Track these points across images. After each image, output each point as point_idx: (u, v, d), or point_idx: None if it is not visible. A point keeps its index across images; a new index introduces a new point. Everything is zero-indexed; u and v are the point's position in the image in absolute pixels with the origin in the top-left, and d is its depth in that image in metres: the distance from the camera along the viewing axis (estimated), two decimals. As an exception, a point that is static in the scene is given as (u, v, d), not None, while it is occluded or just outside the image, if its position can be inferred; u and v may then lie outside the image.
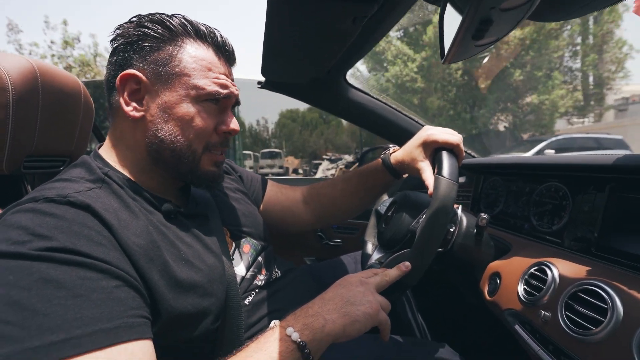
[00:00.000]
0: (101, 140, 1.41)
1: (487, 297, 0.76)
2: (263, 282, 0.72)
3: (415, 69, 11.29)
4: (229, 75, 0.63)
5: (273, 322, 0.53)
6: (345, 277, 0.59)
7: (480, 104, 11.87)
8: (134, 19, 0.59)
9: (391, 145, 1.02)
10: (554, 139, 8.44)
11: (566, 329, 0.53)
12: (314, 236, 1.44)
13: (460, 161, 0.72)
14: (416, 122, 1.22)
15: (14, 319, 0.36)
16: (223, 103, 0.62)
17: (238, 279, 0.66)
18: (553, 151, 1.21)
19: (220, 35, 0.63)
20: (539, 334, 0.59)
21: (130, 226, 0.50)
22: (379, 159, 0.87)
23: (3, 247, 0.40)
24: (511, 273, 0.71)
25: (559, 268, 0.62)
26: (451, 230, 0.74)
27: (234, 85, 0.63)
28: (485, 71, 11.15)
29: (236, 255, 0.70)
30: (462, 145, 0.73)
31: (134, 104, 0.58)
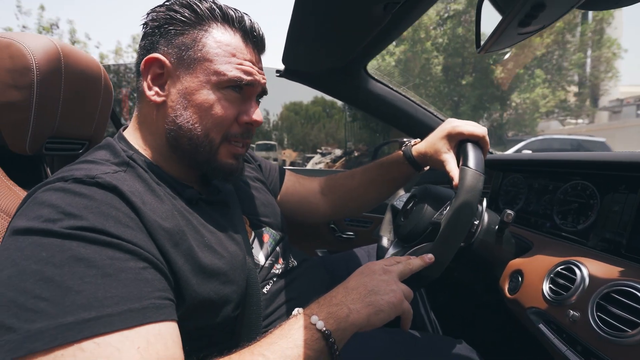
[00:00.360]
0: (118, 126, 1.41)
1: (508, 294, 0.75)
2: (280, 270, 0.72)
3: (393, 63, 11.08)
4: (256, 62, 0.61)
5: (296, 309, 0.52)
6: (367, 264, 0.58)
7: (463, 101, 11.67)
8: (167, 3, 0.58)
9: (405, 139, 1.00)
10: (533, 139, 8.29)
11: (598, 330, 0.51)
12: (326, 228, 1.43)
13: (485, 153, 0.71)
14: (436, 116, 1.19)
15: (48, 295, 0.36)
16: (247, 91, 0.60)
17: (258, 267, 0.66)
18: (530, 151, 1.19)
19: (250, 20, 0.60)
20: (565, 334, 0.57)
21: (156, 210, 0.49)
22: (400, 151, 0.85)
23: (35, 223, 0.40)
24: (535, 271, 0.70)
25: (589, 267, 0.60)
26: (476, 223, 0.72)
27: (260, 73, 0.60)
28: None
29: (255, 244, 0.70)
30: (487, 138, 0.71)
31: (156, 89, 0.57)
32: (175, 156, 0.60)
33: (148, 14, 0.58)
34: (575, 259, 0.64)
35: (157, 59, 0.56)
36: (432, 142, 0.77)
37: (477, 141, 0.70)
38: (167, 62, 0.56)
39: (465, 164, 0.64)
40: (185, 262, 0.49)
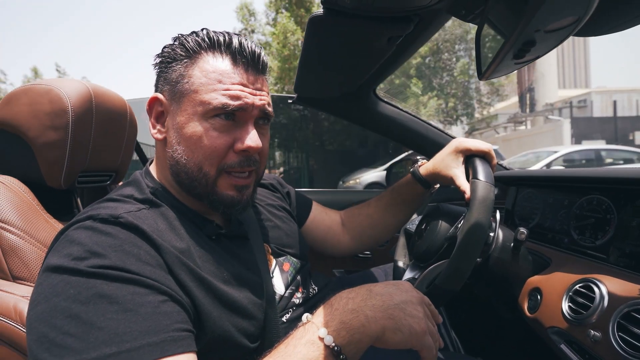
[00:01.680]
0: (141, 156, 1.49)
1: (528, 313, 0.74)
2: (300, 300, 0.72)
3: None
4: (250, 83, 0.56)
5: (305, 315, 0.49)
6: (403, 282, 0.53)
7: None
8: (167, 45, 0.61)
9: (418, 157, 1.02)
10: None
11: (620, 351, 0.51)
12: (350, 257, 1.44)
13: (493, 167, 0.73)
14: (446, 134, 1.21)
15: (75, 331, 0.39)
16: (239, 117, 0.56)
17: (277, 298, 0.67)
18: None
19: (240, 40, 0.57)
20: (588, 355, 0.57)
21: (175, 247, 0.52)
22: (408, 175, 0.87)
23: (65, 262, 0.44)
24: (553, 289, 0.69)
25: (607, 285, 0.60)
26: (491, 235, 0.72)
27: (254, 95, 0.56)
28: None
29: (276, 273, 0.71)
30: (493, 152, 0.74)
31: (159, 126, 0.60)
32: (182, 189, 0.60)
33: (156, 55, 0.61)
34: (593, 277, 0.63)
35: (157, 98, 0.58)
36: (441, 159, 0.79)
37: (483, 155, 0.73)
38: (164, 99, 0.58)
39: (475, 176, 0.67)
40: (206, 295, 0.51)
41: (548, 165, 7.00)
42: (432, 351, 0.48)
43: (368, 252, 1.42)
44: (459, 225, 0.72)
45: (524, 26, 0.35)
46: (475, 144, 0.74)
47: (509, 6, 0.40)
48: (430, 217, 0.89)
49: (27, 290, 0.59)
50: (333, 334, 0.43)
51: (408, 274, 0.94)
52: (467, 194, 0.67)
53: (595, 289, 0.60)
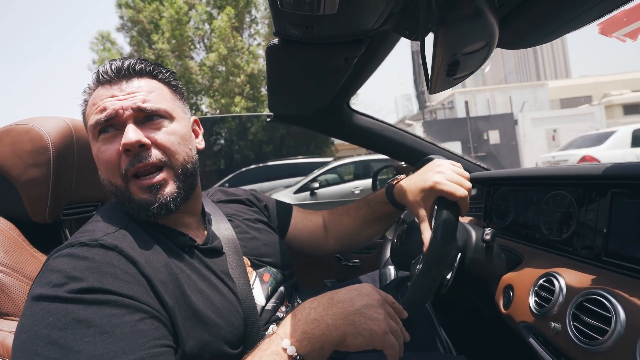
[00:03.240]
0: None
1: (503, 310, 0.77)
2: (284, 314, 0.74)
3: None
4: (120, 92, 0.60)
5: (272, 326, 0.53)
6: (366, 284, 0.56)
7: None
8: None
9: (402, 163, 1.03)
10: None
11: (575, 340, 0.54)
12: (332, 259, 1.47)
13: (463, 213, 0.70)
14: (422, 140, 1.25)
15: (55, 356, 0.43)
16: (116, 124, 0.60)
17: (258, 309, 0.69)
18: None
19: (104, 65, 0.63)
20: (551, 346, 0.59)
21: (151, 262, 0.55)
22: (384, 190, 0.87)
23: (46, 290, 0.47)
24: (522, 285, 0.72)
25: (566, 278, 0.63)
26: (447, 277, 0.76)
27: (124, 100, 0.59)
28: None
29: (256, 285, 0.73)
30: (468, 199, 0.69)
31: None
32: None
33: None
34: (554, 270, 0.66)
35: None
36: (412, 191, 0.76)
37: (456, 202, 0.69)
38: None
39: (435, 233, 0.66)
40: (179, 307, 0.54)
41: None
42: (395, 348, 0.51)
43: (357, 260, 1.45)
44: (417, 266, 0.75)
45: (440, 51, 0.39)
46: (450, 187, 0.68)
47: (432, 32, 0.44)
48: (407, 223, 0.92)
49: (14, 326, 0.61)
50: (295, 344, 0.46)
51: (393, 276, 0.97)
52: (424, 247, 0.68)
53: (555, 282, 0.63)
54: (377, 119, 1.22)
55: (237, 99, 9.72)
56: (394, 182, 0.84)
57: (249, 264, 0.76)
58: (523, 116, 12.39)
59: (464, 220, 1.20)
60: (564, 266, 0.68)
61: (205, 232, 0.73)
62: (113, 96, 0.60)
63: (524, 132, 11.84)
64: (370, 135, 1.23)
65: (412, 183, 0.77)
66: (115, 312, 0.47)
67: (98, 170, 0.64)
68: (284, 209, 0.99)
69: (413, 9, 0.52)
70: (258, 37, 10.79)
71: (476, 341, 1.17)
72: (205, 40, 9.82)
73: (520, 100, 15.21)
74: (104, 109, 0.59)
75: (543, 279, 0.67)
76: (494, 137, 11.32)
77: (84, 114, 0.65)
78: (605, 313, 0.51)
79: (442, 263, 0.63)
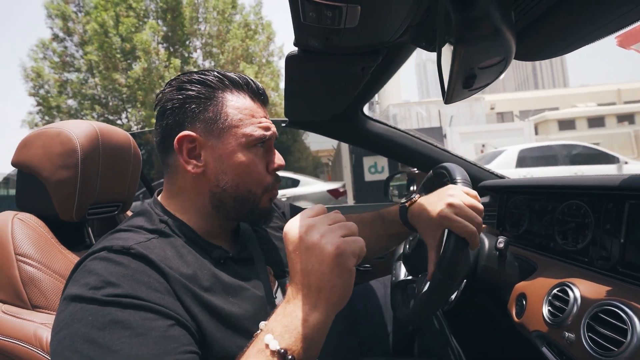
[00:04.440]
0: (147, 184, 1.56)
1: (515, 319, 0.77)
2: None
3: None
4: (267, 116, 0.68)
5: (261, 323, 0.52)
6: (286, 232, 0.51)
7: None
8: (173, 83, 0.66)
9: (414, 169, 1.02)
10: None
11: (589, 351, 0.54)
12: None
13: (473, 248, 0.68)
14: (435, 146, 1.26)
15: (94, 354, 0.45)
16: (267, 144, 0.67)
17: None
18: None
19: (253, 81, 0.67)
20: (565, 356, 0.59)
21: (181, 273, 0.57)
22: (397, 208, 0.84)
23: (84, 291, 0.50)
24: (536, 294, 0.72)
25: (581, 288, 0.63)
26: (452, 298, 0.79)
27: (273, 125, 0.67)
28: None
29: (279, 294, 0.74)
30: (477, 236, 0.67)
31: (194, 161, 0.63)
32: (218, 214, 0.66)
33: (158, 95, 0.67)
34: (569, 280, 0.66)
35: (187, 135, 0.62)
36: (423, 218, 0.74)
37: (464, 237, 0.67)
38: (197, 136, 0.62)
39: (439, 267, 0.66)
40: (210, 318, 0.56)
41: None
42: (363, 250, 0.49)
43: (368, 265, 1.45)
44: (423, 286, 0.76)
45: (457, 66, 0.40)
46: (459, 225, 0.66)
47: (450, 44, 0.45)
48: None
49: (45, 318, 0.65)
50: (278, 338, 0.46)
51: (403, 274, 0.97)
52: (428, 274, 0.70)
53: (570, 292, 0.63)
54: (390, 126, 1.23)
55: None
56: (407, 204, 0.80)
57: (272, 273, 0.77)
58: (452, 130, 12.30)
59: None
60: (578, 276, 0.68)
61: (236, 241, 0.74)
62: (266, 117, 0.67)
63: (452, 146, 11.72)
64: (383, 141, 1.24)
65: (423, 210, 0.74)
66: (149, 317, 0.49)
67: (230, 175, 0.63)
68: (297, 211, 0.98)
69: (431, 22, 0.53)
70: (194, 51, 10.83)
71: (487, 350, 1.16)
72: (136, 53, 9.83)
73: (457, 113, 14.83)
74: (268, 128, 0.65)
75: (557, 289, 0.67)
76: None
77: (220, 113, 0.62)
78: (621, 325, 0.52)
79: (441, 297, 0.64)
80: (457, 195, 0.69)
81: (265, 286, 0.69)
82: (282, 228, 0.88)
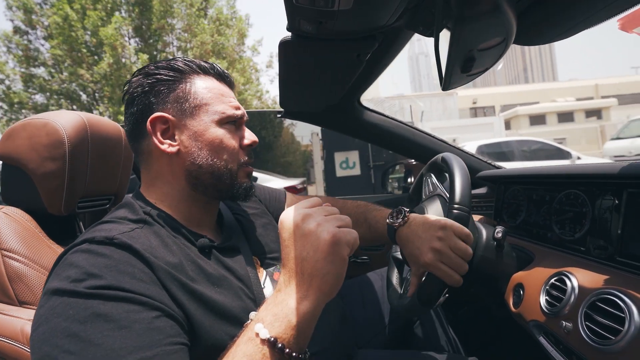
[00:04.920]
0: (140, 177, 1.54)
1: (513, 309, 0.77)
2: None
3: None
4: (235, 98, 0.70)
5: (252, 313, 0.53)
6: (282, 221, 0.52)
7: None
8: (141, 71, 0.67)
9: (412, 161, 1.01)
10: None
11: (587, 339, 0.53)
12: None
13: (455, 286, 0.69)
14: (434, 137, 1.25)
15: (74, 349, 0.43)
16: (239, 122, 0.69)
17: None
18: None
19: (217, 65, 0.70)
20: (562, 345, 0.59)
21: (168, 263, 0.55)
22: (385, 222, 0.81)
23: (64, 284, 0.48)
24: (533, 284, 0.72)
25: (578, 278, 0.62)
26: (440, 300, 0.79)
27: (241, 106, 0.70)
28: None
29: (267, 284, 0.73)
30: (460, 282, 0.69)
31: (168, 141, 0.64)
32: (197, 194, 0.66)
33: (126, 84, 0.67)
34: (566, 270, 0.66)
35: (159, 117, 0.63)
36: (408, 251, 0.74)
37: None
38: (169, 116, 0.63)
39: (419, 295, 0.72)
40: (198, 307, 0.55)
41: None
42: (352, 234, 0.49)
43: (365, 257, 1.45)
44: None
45: (456, 47, 0.39)
46: (443, 275, 0.68)
47: (448, 28, 0.43)
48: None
49: (32, 314, 0.63)
50: (268, 326, 0.46)
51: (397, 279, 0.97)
52: (409, 292, 0.76)
53: (567, 281, 0.62)
54: (388, 117, 1.22)
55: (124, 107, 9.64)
56: (395, 225, 0.77)
57: (259, 263, 0.76)
58: (423, 125, 12.33)
59: (475, 218, 1.19)
60: (576, 265, 0.68)
61: (221, 231, 0.74)
62: (234, 98, 0.69)
63: None
64: (381, 132, 1.22)
65: (410, 242, 0.73)
66: (133, 309, 0.48)
67: (205, 151, 0.64)
68: (277, 196, 0.98)
69: (428, 4, 0.51)
70: (165, 46, 10.57)
71: (484, 340, 1.17)
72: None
73: (430, 109, 14.90)
74: (238, 108, 0.68)
75: (554, 278, 0.66)
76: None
77: (189, 93, 0.64)
78: (618, 313, 0.51)
79: (415, 315, 0.70)
80: (447, 238, 0.67)
81: (253, 276, 0.69)
82: (265, 213, 0.89)
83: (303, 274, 0.48)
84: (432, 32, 0.62)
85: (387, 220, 0.79)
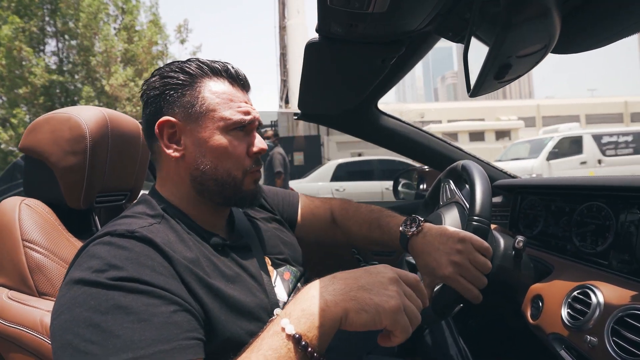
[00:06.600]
0: (155, 174, 1.55)
1: (530, 320, 0.75)
2: None
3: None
4: (248, 101, 0.69)
5: (276, 309, 0.53)
6: (379, 265, 0.52)
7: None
8: (157, 72, 0.67)
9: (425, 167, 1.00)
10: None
11: (614, 355, 0.52)
12: (351, 258, 1.46)
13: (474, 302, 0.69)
14: (449, 144, 1.24)
15: (95, 338, 0.44)
16: (248, 128, 0.67)
17: (280, 305, 0.69)
18: None
19: (232, 67, 0.68)
20: (585, 360, 0.58)
21: (186, 257, 0.56)
22: (398, 229, 0.79)
23: (87, 275, 0.49)
24: (554, 296, 0.71)
25: (604, 292, 0.61)
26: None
27: (254, 110, 0.68)
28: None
29: (278, 282, 0.74)
30: (479, 297, 0.68)
31: (174, 145, 0.65)
32: (203, 199, 0.67)
33: (143, 85, 0.67)
34: (590, 283, 0.64)
35: (167, 121, 0.63)
36: (425, 263, 0.73)
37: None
38: (176, 121, 0.64)
39: (434, 306, 0.73)
40: (214, 301, 0.55)
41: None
42: (407, 330, 0.47)
43: (376, 262, 1.44)
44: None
45: (495, 54, 0.38)
46: (464, 289, 0.68)
47: (485, 33, 0.43)
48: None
49: (51, 305, 0.63)
50: (294, 322, 0.45)
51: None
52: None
53: (592, 295, 0.61)
54: (404, 122, 1.21)
55: (17, 110, 9.41)
56: (408, 234, 0.75)
57: (270, 262, 0.77)
58: (329, 139, 12.13)
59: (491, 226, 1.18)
60: (598, 279, 0.66)
61: (232, 231, 0.75)
62: (247, 102, 0.67)
63: (328, 155, 11.57)
64: (396, 137, 1.22)
65: (426, 253, 0.72)
66: (153, 302, 0.48)
67: (208, 158, 0.64)
68: (290, 199, 0.98)
69: (461, 10, 0.51)
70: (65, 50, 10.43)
71: (495, 351, 1.15)
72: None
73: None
74: (248, 113, 0.66)
75: (577, 291, 0.65)
76: (298, 158, 10.75)
77: (197, 98, 0.64)
78: (649, 330, 0.50)
79: (427, 325, 0.69)
80: (466, 251, 0.66)
81: (265, 275, 0.69)
82: (274, 219, 0.90)
83: (350, 289, 0.47)
84: (461, 38, 0.61)
85: (401, 228, 0.77)
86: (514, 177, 1.26)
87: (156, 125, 0.63)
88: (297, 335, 0.44)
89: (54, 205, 0.79)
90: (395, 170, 7.36)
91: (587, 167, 7.60)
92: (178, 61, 0.67)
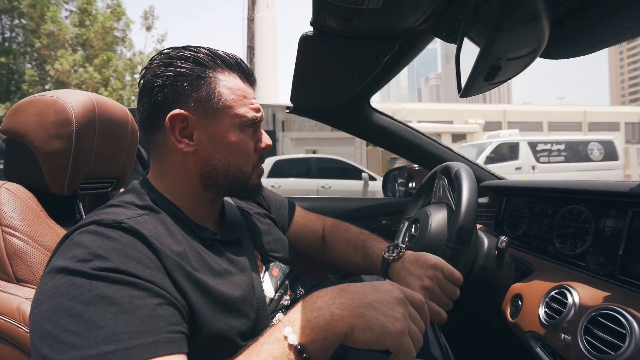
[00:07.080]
0: (142, 163, 1.52)
1: (510, 318, 0.77)
2: (289, 301, 0.75)
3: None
4: (255, 97, 0.69)
5: (278, 315, 0.53)
6: (386, 281, 0.52)
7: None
8: (160, 57, 0.63)
9: (415, 165, 1.02)
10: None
11: (586, 353, 0.54)
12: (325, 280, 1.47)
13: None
14: (439, 144, 1.25)
15: (77, 329, 0.43)
16: (256, 124, 0.68)
17: (267, 300, 0.69)
18: None
19: (242, 61, 0.67)
20: (559, 357, 0.60)
21: (173, 250, 0.55)
22: (380, 254, 0.81)
23: (70, 263, 0.47)
24: (533, 295, 0.73)
25: (579, 292, 0.63)
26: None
27: (260, 107, 0.69)
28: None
29: (266, 278, 0.74)
30: (444, 318, 0.68)
31: (186, 140, 0.62)
32: (207, 192, 0.66)
33: (144, 69, 0.64)
34: (568, 284, 0.66)
35: (180, 114, 0.60)
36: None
37: None
38: (190, 115, 0.61)
39: None
40: (200, 295, 0.55)
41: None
42: (411, 353, 0.46)
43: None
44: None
45: (486, 55, 0.39)
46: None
47: (477, 34, 0.43)
48: (420, 222, 0.92)
49: (30, 292, 0.62)
50: (297, 332, 0.44)
51: None
52: None
53: (569, 295, 0.63)
54: (396, 120, 1.22)
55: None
56: (390, 259, 0.77)
57: (259, 257, 0.77)
58: (284, 135, 12.18)
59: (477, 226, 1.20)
60: (576, 280, 0.68)
61: (224, 224, 0.74)
62: (254, 98, 0.67)
63: (283, 151, 11.60)
64: (387, 134, 1.23)
65: (402, 278, 0.73)
66: (137, 294, 0.47)
67: (222, 154, 0.64)
68: (286, 207, 0.99)
69: (455, 10, 0.52)
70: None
71: (476, 348, 1.17)
72: None
73: (293, 118, 13.90)
74: (259, 110, 0.66)
75: (555, 291, 0.67)
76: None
77: (213, 93, 0.62)
78: (619, 329, 0.52)
79: None
80: (436, 278, 0.68)
81: (253, 269, 0.69)
82: (268, 216, 0.90)
83: (358, 305, 0.46)
84: (454, 38, 0.62)
85: (384, 254, 0.79)
86: (500, 178, 1.28)
87: (167, 117, 0.60)
88: (300, 347, 0.43)
89: (35, 190, 0.77)
90: (335, 170, 7.40)
91: (522, 172, 7.88)
92: (184, 47, 0.63)
